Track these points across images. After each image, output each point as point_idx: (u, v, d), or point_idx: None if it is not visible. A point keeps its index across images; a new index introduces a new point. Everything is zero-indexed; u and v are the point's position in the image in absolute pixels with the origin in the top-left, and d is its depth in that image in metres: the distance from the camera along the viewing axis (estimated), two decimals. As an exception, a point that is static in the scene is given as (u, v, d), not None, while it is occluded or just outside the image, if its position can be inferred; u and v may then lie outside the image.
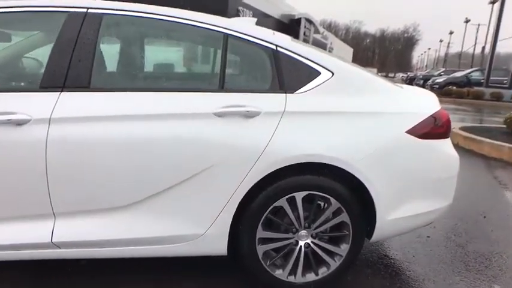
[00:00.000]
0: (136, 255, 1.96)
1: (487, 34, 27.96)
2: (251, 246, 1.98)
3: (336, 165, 1.93)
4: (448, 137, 2.22)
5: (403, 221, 2.11)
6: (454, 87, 19.21)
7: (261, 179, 1.89)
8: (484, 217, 3.38)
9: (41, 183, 1.76)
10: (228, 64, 1.95)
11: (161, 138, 1.80)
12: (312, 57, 2.04)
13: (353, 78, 2.09)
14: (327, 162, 1.92)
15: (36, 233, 1.83)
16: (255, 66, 2.08)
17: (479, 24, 37.70)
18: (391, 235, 2.23)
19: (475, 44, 42.00)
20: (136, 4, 1.94)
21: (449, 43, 62.90)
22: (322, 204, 2.04)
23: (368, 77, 2.16)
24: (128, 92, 1.85)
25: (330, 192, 1.97)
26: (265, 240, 2.00)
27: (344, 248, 2.08)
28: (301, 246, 2.04)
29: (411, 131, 2.03)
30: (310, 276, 2.08)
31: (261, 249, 2.00)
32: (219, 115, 1.85)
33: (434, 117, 2.11)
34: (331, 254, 2.08)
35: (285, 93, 1.96)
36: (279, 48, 2.01)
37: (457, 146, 5.11)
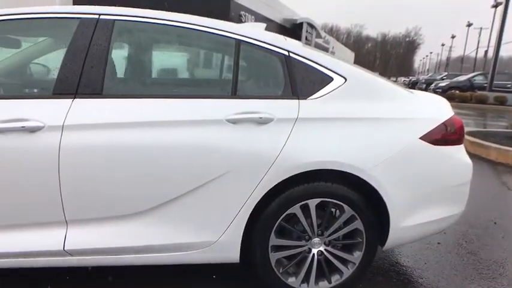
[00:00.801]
0: (148, 263, 1.94)
1: (489, 38, 27.95)
2: (264, 253, 1.96)
3: (350, 172, 1.91)
4: (461, 143, 2.20)
5: (416, 228, 2.09)
6: (457, 91, 19.19)
7: (274, 186, 1.87)
8: (495, 223, 3.35)
9: (53, 190, 1.74)
10: (240, 70, 1.94)
11: (174, 145, 1.78)
12: (324, 62, 2.03)
13: (366, 84, 2.07)
14: (340, 169, 1.90)
15: (49, 240, 1.81)
16: (267, 72, 2.07)
17: (481, 28, 37.79)
18: (404, 242, 2.20)
19: (477, 47, 42.05)
20: (148, 10, 1.94)
21: (451, 47, 62.93)
22: (335, 211, 2.02)
23: (381, 82, 2.14)
24: (140, 99, 1.84)
25: (343, 199, 1.95)
26: (278, 248, 1.98)
27: (357, 256, 2.05)
28: (314, 253, 2.02)
29: (425, 137, 2.02)
30: (323, 284, 2.06)
31: (273, 256, 1.98)
32: (232, 122, 1.83)
33: (447, 123, 2.09)
34: (344, 261, 2.06)
35: (298, 99, 1.94)
36: (291, 54, 2.00)
37: (464, 151, 5.07)
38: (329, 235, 2.01)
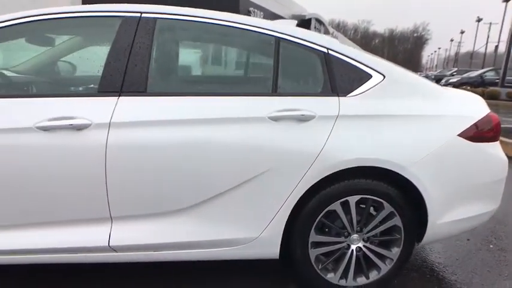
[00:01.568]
0: (189, 259, 1.96)
1: (500, 33, 27.61)
2: (304, 250, 1.98)
3: (390, 168, 1.91)
4: (497, 140, 2.19)
5: (453, 224, 2.09)
6: (469, 87, 19.01)
7: (315, 183, 1.88)
8: (522, 220, 3.34)
9: (100, 187, 1.77)
10: (280, 67, 1.95)
11: (216, 142, 1.80)
12: (363, 60, 2.03)
13: (404, 81, 2.07)
14: (381, 166, 1.91)
15: (94, 236, 1.84)
16: (306, 69, 2.08)
17: (491, 23, 37.24)
18: (439, 239, 2.20)
19: (487, 42, 41.59)
20: (188, 8, 1.95)
21: (460, 42, 62.25)
22: (374, 208, 2.02)
23: (418, 79, 2.14)
24: (182, 97, 1.85)
25: (383, 196, 1.96)
26: (317, 244, 2.00)
27: (395, 252, 2.06)
28: (352, 250, 2.03)
29: (463, 134, 2.01)
30: (361, 280, 2.07)
31: (313, 253, 2.00)
32: (274, 119, 1.84)
33: (484, 120, 2.08)
34: (382, 257, 2.07)
35: (338, 96, 1.95)
36: (330, 51, 2.00)
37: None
38: (368, 231, 2.02)
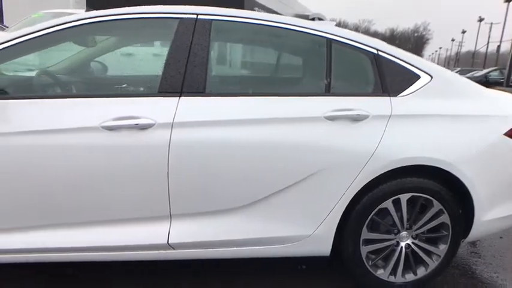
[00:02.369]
0: (245, 256, 2.00)
1: (502, 33, 27.71)
2: (356, 247, 2.02)
3: (440, 167, 1.96)
4: None
5: (498, 221, 2.13)
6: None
7: (369, 181, 1.92)
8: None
9: (162, 186, 1.81)
10: (332, 68, 1.99)
11: (274, 141, 1.84)
12: (411, 61, 2.07)
13: (450, 81, 2.12)
14: (432, 165, 1.95)
15: (153, 234, 1.88)
16: (357, 70, 2.12)
17: (492, 23, 37.41)
18: (483, 235, 2.24)
19: (488, 42, 41.70)
20: (243, 10, 1.99)
21: (460, 42, 62.35)
22: (424, 205, 2.06)
23: (463, 80, 2.18)
24: (239, 97, 1.89)
25: (432, 193, 2.00)
26: (368, 242, 2.04)
27: (442, 249, 2.10)
28: (402, 247, 2.07)
29: (509, 133, 2.06)
30: (410, 276, 2.11)
31: (364, 250, 2.03)
32: (330, 119, 1.88)
33: None
34: (430, 254, 2.11)
35: (389, 96, 1.99)
36: (380, 52, 2.04)
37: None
38: (417, 229, 2.06)
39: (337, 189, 1.91)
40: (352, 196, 1.93)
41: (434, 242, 2.11)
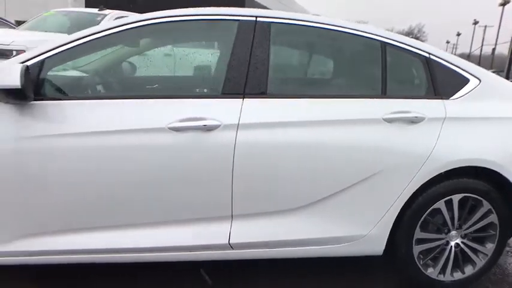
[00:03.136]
0: (301, 256, 2.03)
1: (497, 35, 28.19)
2: (408, 246, 2.06)
3: (492, 168, 2.01)
4: None
5: None
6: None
7: (424, 182, 1.96)
8: None
9: (226, 186, 1.83)
10: (387, 71, 2.02)
11: (334, 143, 1.87)
12: (461, 64, 2.12)
13: (498, 85, 2.17)
14: (484, 166, 2.00)
15: (215, 234, 1.90)
16: (410, 73, 2.16)
17: (486, 26, 38.00)
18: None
19: (482, 45, 42.32)
20: (299, 14, 2.02)
21: (455, 45, 63.00)
22: (473, 205, 2.11)
23: (508, 83, 2.24)
24: (299, 99, 1.92)
25: (483, 194, 2.05)
26: (420, 241, 2.08)
27: (490, 248, 2.15)
28: (451, 246, 2.12)
29: None
30: (457, 275, 2.16)
31: (416, 249, 2.08)
32: (388, 121, 1.92)
33: None
34: (477, 253, 2.16)
35: (442, 99, 2.04)
36: (431, 56, 2.09)
37: None
38: (466, 228, 2.11)
39: (395, 189, 1.95)
40: (408, 197, 1.97)
41: (482, 241, 2.16)
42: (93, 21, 6.15)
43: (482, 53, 42.19)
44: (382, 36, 2.06)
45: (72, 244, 1.81)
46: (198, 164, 1.80)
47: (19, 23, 8.19)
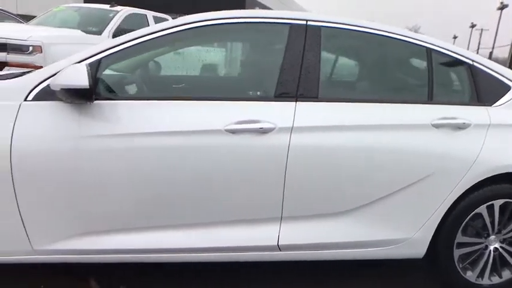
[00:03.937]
0: (345, 258, 2.05)
1: (495, 39, 28.54)
2: (449, 250, 2.09)
3: None
4: None
5: None
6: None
7: (469, 187, 2.00)
8: None
9: (278, 188, 1.84)
10: (434, 77, 2.05)
11: (384, 147, 1.90)
12: (502, 71, 2.16)
13: None
14: None
15: (264, 236, 1.91)
16: (455, 79, 2.19)
17: (482, 29, 38.41)
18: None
19: (478, 48, 42.77)
20: (348, 18, 2.04)
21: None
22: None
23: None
24: (349, 103, 1.94)
25: (523, 200, 2.09)
26: (461, 245, 2.11)
27: (526, 253, 2.20)
28: (490, 250, 2.16)
29: None
30: (495, 279, 2.20)
31: (457, 253, 2.11)
32: (436, 126, 1.95)
33: None
34: (514, 257, 2.20)
35: (485, 106, 2.07)
36: (474, 63, 2.12)
37: None
38: (506, 233, 2.15)
39: (441, 194, 1.98)
40: (452, 201, 2.00)
41: (519, 246, 2.21)
42: (105, 17, 6.12)
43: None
44: (428, 43, 2.08)
45: (126, 243, 1.81)
46: (252, 166, 1.81)
47: (22, 17, 8.10)
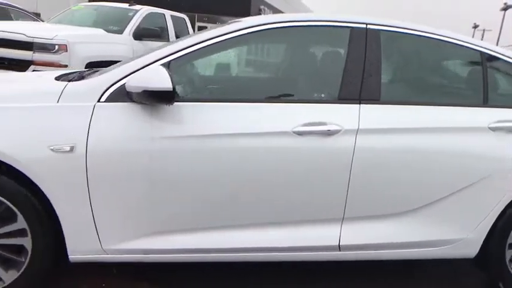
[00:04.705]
0: (402, 257, 2.09)
1: (498, 39, 28.67)
2: (501, 250, 2.14)
3: None
4: None
5: None
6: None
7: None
8: None
9: (342, 189, 1.88)
10: (488, 80, 2.09)
11: (443, 149, 1.94)
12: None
13: None
14: None
15: (326, 236, 1.95)
16: (506, 82, 2.24)
17: (484, 30, 38.56)
18: None
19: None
20: (407, 22, 2.07)
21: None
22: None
23: None
24: (409, 106, 1.98)
25: None
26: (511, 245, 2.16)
27: None
28: (537, 250, 2.20)
29: None
30: (544, 279, 2.25)
31: (509, 253, 2.15)
32: (493, 129, 1.99)
33: None
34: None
35: (539, 109, 2.11)
36: (528, 68, 2.16)
37: None
38: (554, 234, 2.19)
39: (497, 195, 2.02)
40: (507, 202, 2.04)
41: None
42: (125, 16, 6.13)
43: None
44: (482, 47, 2.13)
45: (193, 243, 1.84)
46: (318, 167, 1.85)
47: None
